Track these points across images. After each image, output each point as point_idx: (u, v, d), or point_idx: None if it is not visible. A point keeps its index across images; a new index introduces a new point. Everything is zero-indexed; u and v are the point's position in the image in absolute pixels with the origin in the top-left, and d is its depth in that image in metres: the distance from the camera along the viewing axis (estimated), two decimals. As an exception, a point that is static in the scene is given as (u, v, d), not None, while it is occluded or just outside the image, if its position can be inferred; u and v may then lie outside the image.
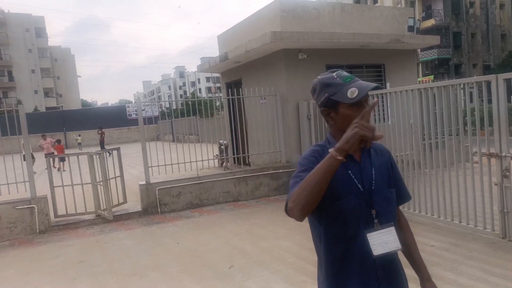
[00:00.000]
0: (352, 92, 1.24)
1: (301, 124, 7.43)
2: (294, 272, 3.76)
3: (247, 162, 8.32)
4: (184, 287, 3.69)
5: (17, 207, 5.75)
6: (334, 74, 1.32)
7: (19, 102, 27.57)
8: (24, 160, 6.11)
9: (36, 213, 5.82)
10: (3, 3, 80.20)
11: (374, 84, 1.29)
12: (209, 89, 79.94)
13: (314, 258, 1.47)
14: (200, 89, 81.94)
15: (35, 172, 7.17)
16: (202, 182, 6.97)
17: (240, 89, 7.69)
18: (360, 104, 1.26)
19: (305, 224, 1.44)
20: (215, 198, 7.04)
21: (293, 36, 6.91)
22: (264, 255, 4.30)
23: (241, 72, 8.98)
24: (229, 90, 7.80)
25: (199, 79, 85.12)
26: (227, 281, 3.70)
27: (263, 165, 7.68)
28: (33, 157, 8.94)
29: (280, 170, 7.38)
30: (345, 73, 1.31)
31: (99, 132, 19.43)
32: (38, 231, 5.83)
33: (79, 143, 25.71)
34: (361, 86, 1.26)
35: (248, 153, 8.15)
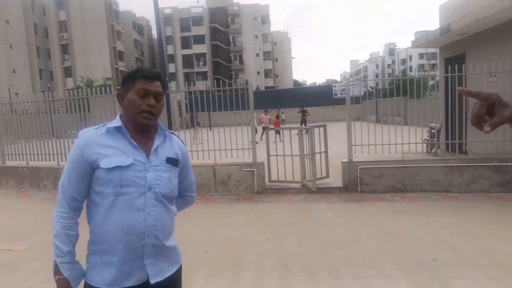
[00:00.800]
0: None
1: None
2: (517, 283, 3.17)
3: (464, 150, 7.32)
4: (382, 266, 3.68)
5: (242, 169, 6.94)
6: None
7: (246, 83, 32.20)
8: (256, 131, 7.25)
9: (256, 176, 6.88)
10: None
11: None
12: (421, 67, 73.10)
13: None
14: (411, 67, 75.90)
15: (256, 142, 8.38)
16: (407, 167, 6.60)
17: (463, 65, 6.71)
18: None
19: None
20: (421, 185, 6.56)
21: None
22: (478, 256, 3.78)
23: (465, 46, 7.82)
24: (449, 66, 6.94)
25: (410, 56, 78.90)
26: (430, 273, 3.47)
27: (485, 155, 6.59)
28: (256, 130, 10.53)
29: (509, 163, 6.17)
30: None
31: (300, 111, 19.93)
32: (256, 191, 6.90)
33: (283, 120, 28.38)
34: None
35: (465, 139, 7.14)
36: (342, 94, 31.93)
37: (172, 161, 1.61)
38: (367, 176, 6.71)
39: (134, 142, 1.52)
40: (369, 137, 6.92)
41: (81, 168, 1.48)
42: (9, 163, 8.66)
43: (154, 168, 1.53)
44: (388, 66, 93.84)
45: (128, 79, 1.55)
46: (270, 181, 7.24)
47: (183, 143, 1.77)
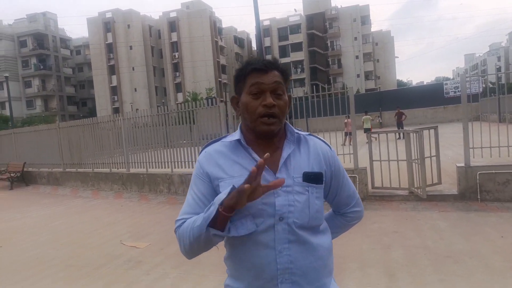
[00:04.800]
0: None
1: None
2: None
3: None
4: (510, 284, 3.18)
5: (343, 175, 6.72)
6: None
7: (344, 86, 31.53)
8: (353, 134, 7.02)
9: (358, 182, 6.61)
10: (338, 0, 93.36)
11: None
12: (557, 56, 62.10)
13: None
14: (543, 57, 65.05)
15: (344, 145, 8.03)
16: (542, 171, 5.63)
17: None
18: None
19: None
20: (561, 193, 5.52)
21: None
22: None
23: None
24: None
25: (542, 44, 67.60)
26: None
27: None
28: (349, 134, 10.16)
29: None
30: None
31: (396, 113, 18.03)
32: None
33: (380, 122, 26.73)
34: None
35: None
36: (455, 92, 28.87)
37: (312, 177, 1.21)
38: (489, 183, 5.92)
39: (257, 156, 1.19)
40: (490, 139, 6.12)
41: (206, 187, 1.22)
42: (132, 170, 9.87)
43: (285, 190, 1.16)
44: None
45: (239, 78, 1.23)
46: (373, 187, 6.89)
47: (328, 145, 1.33)
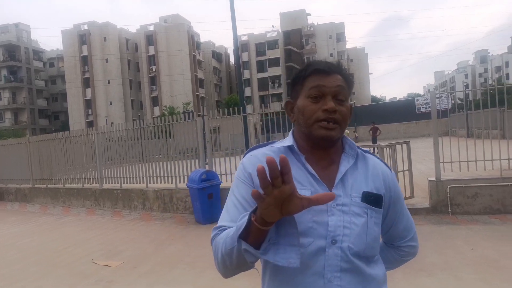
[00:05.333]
0: None
1: None
2: None
3: None
4: (480, 300, 3.27)
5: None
6: None
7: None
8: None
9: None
10: (314, 17, 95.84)
11: None
12: (520, 74, 65.58)
13: None
14: (507, 75, 68.56)
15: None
16: (508, 185, 5.87)
17: None
18: None
19: None
20: (526, 205, 5.76)
21: None
22: None
23: None
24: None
25: (507, 63, 71.34)
26: (541, 309, 2.99)
27: None
28: None
29: None
30: None
31: (371, 128, 18.14)
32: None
33: (356, 137, 27.37)
34: None
35: None
36: (426, 108, 29.93)
37: (372, 199, 1.06)
38: (459, 196, 6.11)
39: (309, 166, 1.05)
40: (459, 153, 6.34)
41: (249, 191, 0.97)
42: (106, 185, 9.61)
43: (340, 209, 1.01)
44: (480, 75, 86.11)
45: (297, 80, 1.10)
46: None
47: (389, 167, 1.18)
